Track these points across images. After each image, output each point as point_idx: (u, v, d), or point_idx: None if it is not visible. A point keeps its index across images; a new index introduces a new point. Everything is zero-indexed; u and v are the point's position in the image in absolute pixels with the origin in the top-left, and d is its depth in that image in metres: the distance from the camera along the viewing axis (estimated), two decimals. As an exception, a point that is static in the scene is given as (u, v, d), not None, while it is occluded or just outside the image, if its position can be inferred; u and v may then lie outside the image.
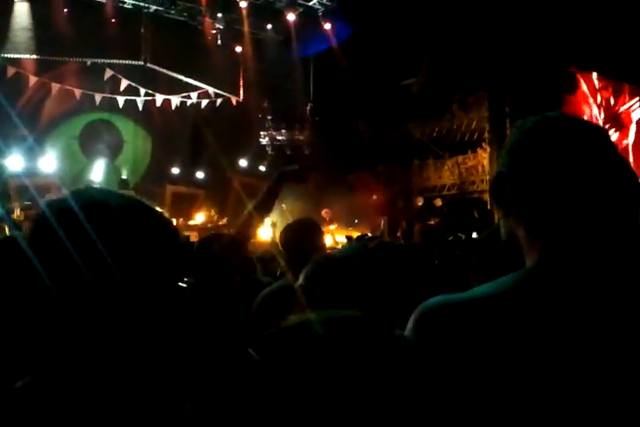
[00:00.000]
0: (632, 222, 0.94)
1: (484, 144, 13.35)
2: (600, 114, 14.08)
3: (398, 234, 9.21)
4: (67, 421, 0.78)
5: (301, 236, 3.22)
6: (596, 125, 1.02)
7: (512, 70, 12.18)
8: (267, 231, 11.13)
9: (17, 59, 12.64)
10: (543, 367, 0.85)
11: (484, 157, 13.21)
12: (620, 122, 14.11)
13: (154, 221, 0.92)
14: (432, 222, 11.37)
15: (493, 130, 13.03)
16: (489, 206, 11.15)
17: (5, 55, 12.45)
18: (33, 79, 12.87)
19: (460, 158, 13.75)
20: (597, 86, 14.22)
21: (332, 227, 11.71)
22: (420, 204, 12.95)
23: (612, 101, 14.38)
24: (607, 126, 14.04)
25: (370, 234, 10.08)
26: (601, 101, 14.24)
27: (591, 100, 14.02)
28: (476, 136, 13.57)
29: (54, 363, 0.83)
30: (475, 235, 6.75)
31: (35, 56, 12.75)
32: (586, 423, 0.84)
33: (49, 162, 12.30)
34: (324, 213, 12.12)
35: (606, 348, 0.86)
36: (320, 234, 3.33)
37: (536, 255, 0.96)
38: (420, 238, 5.09)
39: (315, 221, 3.43)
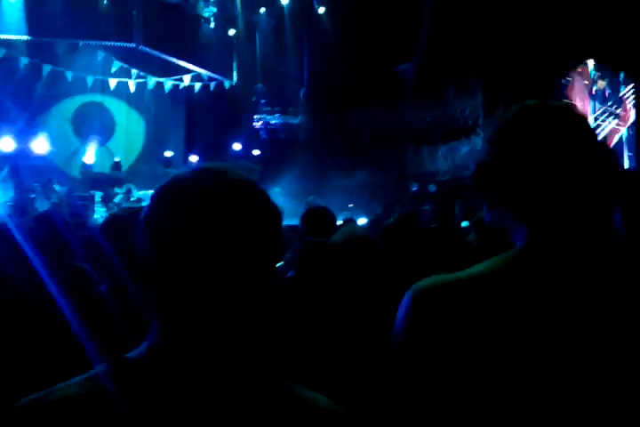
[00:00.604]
0: (610, 206, 0.99)
1: (478, 130, 13.37)
2: (596, 104, 14.16)
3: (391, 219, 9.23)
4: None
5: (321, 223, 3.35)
6: (576, 112, 1.04)
7: (507, 56, 12.19)
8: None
9: (7, 40, 12.46)
10: (532, 346, 0.88)
11: (477, 143, 13.24)
12: (616, 111, 14.19)
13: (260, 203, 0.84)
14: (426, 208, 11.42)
15: (488, 116, 13.05)
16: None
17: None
18: (24, 60, 12.72)
19: (454, 144, 13.78)
20: (593, 76, 14.29)
21: None
22: (414, 189, 12.99)
23: (608, 91, 14.47)
24: (604, 116, 14.14)
25: (365, 219, 10.09)
26: (596, 92, 14.31)
27: (586, 91, 14.09)
28: (470, 122, 13.59)
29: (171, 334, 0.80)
30: (465, 223, 6.76)
31: (26, 37, 12.58)
32: (575, 402, 0.87)
33: (41, 144, 12.19)
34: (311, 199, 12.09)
35: (591, 325, 0.90)
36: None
37: (523, 238, 0.99)
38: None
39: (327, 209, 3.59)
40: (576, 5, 11.31)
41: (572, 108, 1.05)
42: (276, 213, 0.84)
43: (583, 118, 1.03)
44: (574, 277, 0.92)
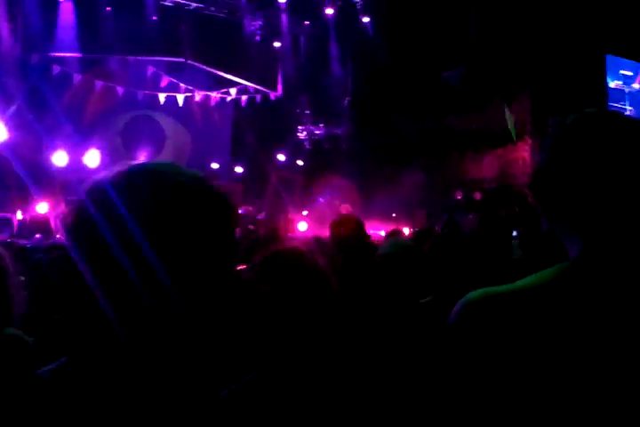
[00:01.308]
0: None
1: (525, 137, 13.10)
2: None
3: (436, 227, 9.13)
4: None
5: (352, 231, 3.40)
6: (636, 121, 1.01)
7: (554, 61, 11.94)
8: (303, 225, 11.20)
9: (62, 57, 12.96)
10: (585, 360, 0.87)
11: (525, 149, 12.96)
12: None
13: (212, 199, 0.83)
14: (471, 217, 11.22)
15: (536, 122, 12.78)
16: (529, 200, 10.92)
17: (51, 54, 12.78)
18: (77, 77, 13.17)
19: (501, 151, 13.53)
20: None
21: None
22: (459, 197, 12.81)
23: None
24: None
25: (409, 229, 10.04)
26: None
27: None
28: (518, 129, 13.32)
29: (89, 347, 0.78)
30: (515, 232, 6.61)
31: (79, 54, 13.05)
32: (625, 413, 0.85)
33: (93, 158, 12.60)
34: (342, 208, 12.06)
35: None
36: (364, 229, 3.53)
37: (577, 249, 0.97)
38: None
39: (358, 218, 3.63)
40: (625, 11, 11.02)
41: (632, 117, 1.03)
42: (225, 207, 0.83)
43: None
44: (629, 291, 0.90)
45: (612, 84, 13.80)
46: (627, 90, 13.99)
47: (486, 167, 13.66)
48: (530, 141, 12.85)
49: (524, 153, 12.99)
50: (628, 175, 0.93)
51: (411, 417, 1.77)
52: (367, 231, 3.73)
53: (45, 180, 11.41)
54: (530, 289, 0.94)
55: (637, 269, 0.92)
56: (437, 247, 3.13)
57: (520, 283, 0.96)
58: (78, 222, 0.81)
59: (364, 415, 1.70)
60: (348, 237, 3.42)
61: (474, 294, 0.97)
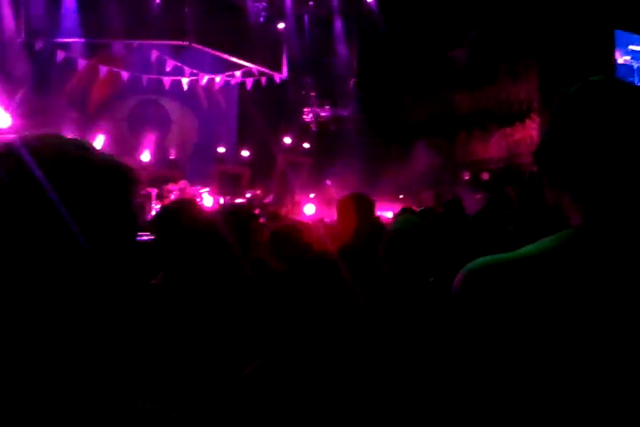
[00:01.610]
0: None
1: (533, 115, 12.99)
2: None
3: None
4: None
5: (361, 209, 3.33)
6: None
7: (562, 37, 11.79)
8: (310, 207, 11.20)
9: (66, 43, 12.91)
10: (587, 326, 0.87)
11: (533, 128, 12.86)
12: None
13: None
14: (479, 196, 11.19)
15: (543, 100, 12.67)
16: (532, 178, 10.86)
17: (55, 40, 12.74)
18: (82, 63, 13.15)
19: (508, 130, 13.42)
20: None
21: None
22: (466, 177, 12.77)
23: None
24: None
25: (416, 209, 9.99)
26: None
27: None
28: (525, 107, 13.21)
29: None
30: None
31: (83, 40, 13.00)
32: (624, 385, 0.85)
33: (99, 143, 12.61)
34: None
35: None
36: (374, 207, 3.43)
37: (580, 218, 0.97)
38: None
39: (367, 196, 3.54)
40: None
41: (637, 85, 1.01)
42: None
43: None
44: (630, 259, 0.90)
45: (621, 59, 13.61)
46: (635, 65, 13.80)
47: (494, 147, 13.58)
48: (537, 120, 12.75)
49: (531, 132, 12.89)
50: (633, 143, 0.92)
51: (418, 396, 1.79)
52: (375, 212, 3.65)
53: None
54: (531, 257, 0.93)
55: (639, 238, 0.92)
56: (435, 226, 3.13)
57: (521, 251, 0.96)
58: None
59: (373, 395, 1.72)
60: (356, 217, 3.36)
61: (474, 263, 0.97)
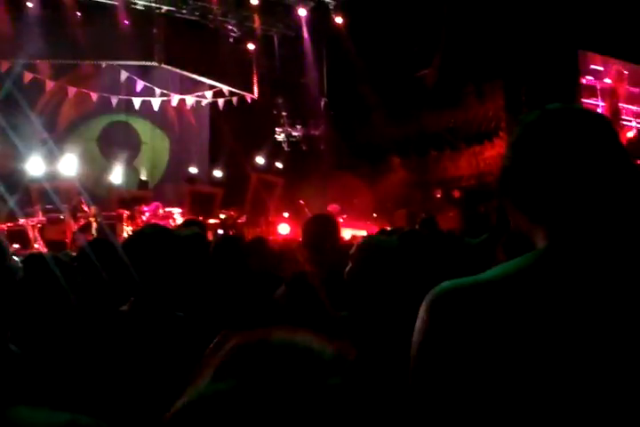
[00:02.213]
0: (632, 210, 0.97)
1: (501, 133, 13.24)
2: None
3: (416, 226, 9.16)
4: None
5: (322, 231, 3.29)
6: (599, 115, 1.03)
7: (527, 57, 12.07)
8: (284, 227, 11.19)
9: (33, 64, 12.78)
10: (550, 351, 0.88)
11: (501, 146, 13.10)
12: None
13: None
14: (451, 215, 11.33)
15: (510, 119, 12.93)
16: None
17: (22, 61, 12.59)
18: (50, 83, 13.01)
19: (478, 149, 13.65)
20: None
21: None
22: (438, 195, 12.91)
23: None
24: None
25: (389, 228, 10.05)
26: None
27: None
28: (493, 125, 13.47)
29: None
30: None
31: (50, 60, 12.88)
32: (594, 409, 0.86)
33: (69, 165, 12.44)
34: (330, 208, 12.09)
35: (611, 331, 0.88)
36: (338, 228, 3.40)
37: (542, 242, 0.99)
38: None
39: (332, 217, 3.51)
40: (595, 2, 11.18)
41: (595, 111, 1.05)
42: None
43: (606, 120, 1.02)
44: (594, 281, 0.92)
45: (583, 79, 13.96)
46: (598, 85, 14.17)
47: (464, 165, 13.78)
48: (506, 138, 12.99)
49: (500, 150, 13.12)
50: (589, 169, 0.95)
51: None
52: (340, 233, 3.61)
53: (21, 188, 11.25)
54: (496, 280, 0.95)
55: (601, 260, 0.94)
56: (409, 245, 3.13)
57: (486, 274, 0.97)
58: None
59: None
60: (320, 235, 3.31)
61: (439, 287, 0.98)
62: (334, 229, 3.37)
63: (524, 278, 0.93)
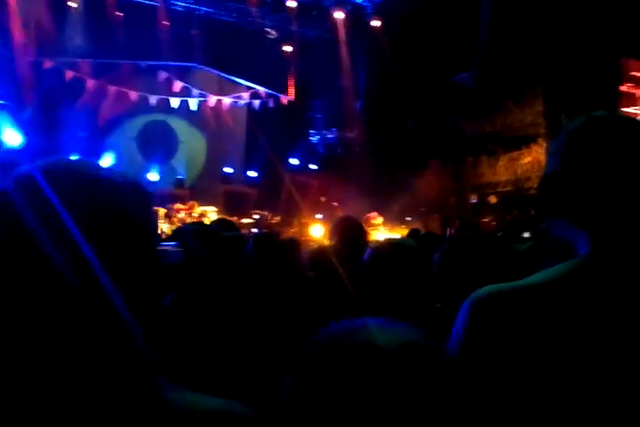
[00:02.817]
0: None
1: (539, 140, 13.10)
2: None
3: (450, 231, 9.12)
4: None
5: (349, 235, 3.36)
6: None
7: (567, 63, 11.94)
8: (319, 229, 11.19)
9: (74, 62, 13.01)
10: (593, 355, 0.87)
11: (539, 152, 12.94)
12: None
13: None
14: (487, 220, 11.23)
15: (549, 125, 12.79)
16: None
17: (64, 59, 12.83)
18: (90, 82, 13.22)
19: (515, 154, 13.51)
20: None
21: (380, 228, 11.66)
22: (473, 201, 12.81)
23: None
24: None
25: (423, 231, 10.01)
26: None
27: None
28: (531, 132, 13.33)
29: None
30: (527, 234, 6.62)
31: (91, 59, 13.11)
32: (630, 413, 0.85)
33: (107, 163, 12.63)
34: (370, 215, 12.06)
35: None
36: (363, 234, 3.48)
37: (587, 248, 0.98)
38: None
39: (358, 222, 3.59)
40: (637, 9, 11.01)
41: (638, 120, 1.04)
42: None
43: None
44: (637, 288, 0.91)
45: (624, 86, 13.74)
46: (637, 93, 13.92)
47: (501, 170, 13.66)
48: (544, 144, 12.84)
49: (538, 156, 12.98)
50: (636, 177, 0.96)
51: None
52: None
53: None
54: (540, 285, 0.94)
55: None
56: (454, 250, 3.09)
57: (528, 280, 0.96)
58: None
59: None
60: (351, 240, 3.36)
61: (480, 291, 0.97)
62: (362, 232, 3.46)
63: (566, 284, 0.93)
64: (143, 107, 14.15)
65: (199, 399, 0.77)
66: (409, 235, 6.67)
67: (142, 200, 0.80)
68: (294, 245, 3.83)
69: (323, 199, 13.14)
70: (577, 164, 0.99)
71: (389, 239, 2.69)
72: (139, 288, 0.77)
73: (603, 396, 0.85)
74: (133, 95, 13.77)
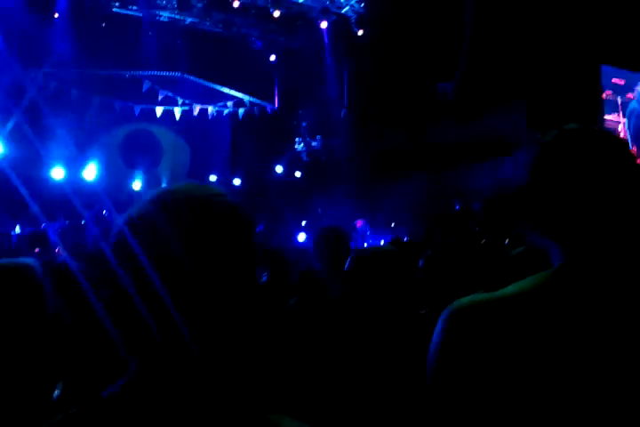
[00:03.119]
0: None
1: (521, 147, 13.16)
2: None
3: (435, 238, 9.14)
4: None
5: (330, 244, 3.32)
6: (615, 137, 1.05)
7: (548, 72, 12.05)
8: (302, 236, 11.22)
9: (58, 73, 12.99)
10: (567, 366, 0.89)
11: (522, 158, 13.01)
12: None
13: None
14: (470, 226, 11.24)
15: (531, 133, 12.86)
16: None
17: (48, 69, 12.82)
18: (74, 92, 13.21)
19: (498, 161, 13.58)
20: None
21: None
22: (457, 207, 12.84)
23: None
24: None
25: (407, 237, 10.05)
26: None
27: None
28: (513, 140, 13.40)
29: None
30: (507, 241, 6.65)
31: (75, 70, 13.10)
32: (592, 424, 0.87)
33: (91, 172, 12.60)
34: (357, 223, 12.10)
35: (625, 350, 0.89)
36: (346, 241, 3.44)
37: (560, 258, 1.00)
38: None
39: (341, 230, 3.54)
40: (620, 21, 11.16)
41: (612, 133, 1.06)
42: (243, 221, 0.86)
43: (623, 143, 1.04)
44: (612, 298, 0.93)
45: (603, 94, 13.85)
46: (619, 100, 14.05)
47: (483, 178, 13.72)
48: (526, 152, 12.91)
49: (520, 162, 13.03)
50: (605, 190, 0.97)
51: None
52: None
53: (44, 194, 11.39)
54: (514, 296, 0.96)
55: (620, 278, 0.95)
56: (438, 257, 3.11)
57: (506, 290, 0.98)
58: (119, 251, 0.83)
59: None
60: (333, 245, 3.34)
61: (458, 302, 0.99)
62: (343, 239, 3.42)
63: (539, 296, 0.95)
64: (127, 116, 14.13)
65: (292, 424, 0.83)
66: (391, 242, 6.68)
67: (245, 230, 0.86)
68: (277, 253, 3.78)
69: (307, 207, 13.15)
70: (548, 177, 1.01)
71: (370, 247, 2.72)
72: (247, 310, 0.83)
73: (572, 405, 0.87)
74: (118, 105, 13.77)
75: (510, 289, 0.98)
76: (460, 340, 0.95)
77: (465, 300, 0.99)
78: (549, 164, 1.02)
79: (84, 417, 0.78)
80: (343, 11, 14.99)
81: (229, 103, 14.85)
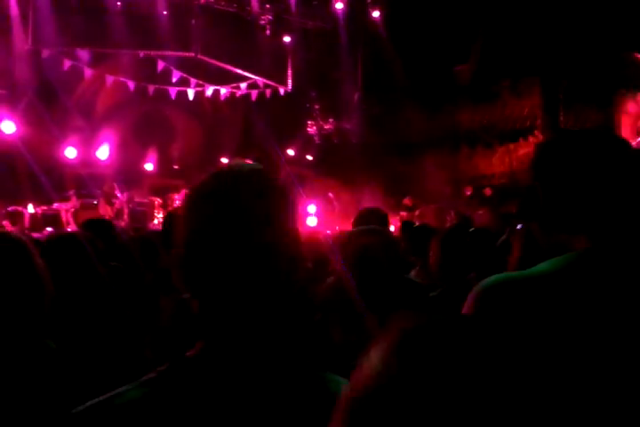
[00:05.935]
0: None
1: (536, 132, 13.05)
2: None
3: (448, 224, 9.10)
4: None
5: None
6: (616, 137, 1.11)
7: (566, 54, 11.87)
8: (312, 219, 11.24)
9: (73, 52, 13.00)
10: (595, 342, 0.92)
11: (536, 144, 12.88)
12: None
13: None
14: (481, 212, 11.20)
15: (546, 117, 12.74)
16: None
17: (62, 48, 12.82)
18: (88, 71, 13.22)
19: (511, 146, 13.47)
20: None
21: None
22: (468, 193, 12.78)
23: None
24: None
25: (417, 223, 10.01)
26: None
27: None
28: (528, 123, 13.28)
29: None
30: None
31: (89, 49, 13.10)
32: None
33: (104, 152, 12.66)
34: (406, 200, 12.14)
35: None
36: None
37: (584, 244, 1.04)
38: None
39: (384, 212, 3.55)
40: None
41: (612, 133, 1.12)
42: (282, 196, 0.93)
43: (624, 142, 1.09)
44: (633, 276, 0.97)
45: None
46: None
47: (496, 163, 13.63)
48: (541, 137, 12.79)
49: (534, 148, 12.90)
50: (612, 181, 1.02)
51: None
52: None
53: (57, 173, 11.49)
54: (543, 275, 0.99)
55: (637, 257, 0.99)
56: (448, 240, 3.12)
57: (533, 269, 1.02)
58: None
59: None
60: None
61: (490, 279, 1.02)
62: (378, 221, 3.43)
63: (572, 274, 0.98)
64: (141, 96, 14.13)
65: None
66: (402, 227, 6.67)
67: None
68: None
69: (318, 190, 13.15)
70: (555, 174, 1.06)
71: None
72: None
73: (603, 384, 0.89)
74: (131, 85, 13.76)
75: (538, 268, 1.02)
76: (490, 314, 0.98)
77: (497, 276, 1.03)
78: (555, 162, 1.06)
79: (174, 374, 0.87)
80: (359, -9, 14.82)
81: (243, 85, 14.79)
